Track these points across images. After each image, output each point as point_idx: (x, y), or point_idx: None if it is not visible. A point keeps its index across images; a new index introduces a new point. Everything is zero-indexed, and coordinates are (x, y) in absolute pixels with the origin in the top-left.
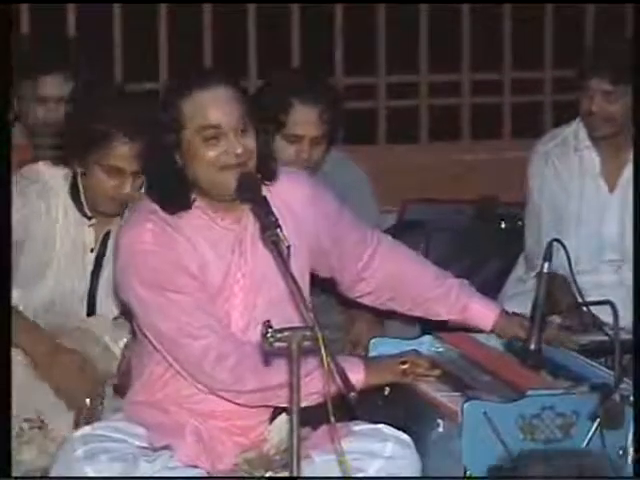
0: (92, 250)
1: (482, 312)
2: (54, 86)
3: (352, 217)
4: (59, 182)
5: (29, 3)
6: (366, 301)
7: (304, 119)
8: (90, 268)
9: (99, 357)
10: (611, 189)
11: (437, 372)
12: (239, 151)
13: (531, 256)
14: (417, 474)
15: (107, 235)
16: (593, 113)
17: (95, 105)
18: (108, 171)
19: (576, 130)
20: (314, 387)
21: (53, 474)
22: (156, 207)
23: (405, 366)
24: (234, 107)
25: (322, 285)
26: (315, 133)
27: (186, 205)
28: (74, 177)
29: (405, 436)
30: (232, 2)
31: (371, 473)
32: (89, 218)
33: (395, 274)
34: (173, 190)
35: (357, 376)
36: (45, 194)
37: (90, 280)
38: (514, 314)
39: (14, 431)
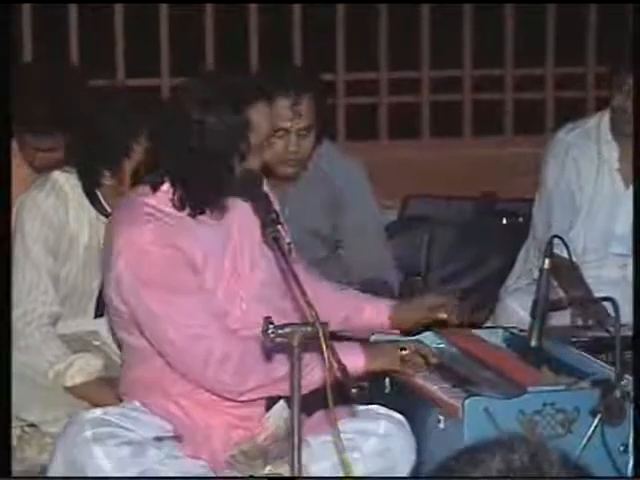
0: None
1: (375, 308)
2: None
3: None
4: (72, 186)
5: (30, 3)
6: None
7: (287, 112)
8: None
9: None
10: (627, 186)
11: (435, 360)
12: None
13: (541, 245)
14: (412, 452)
15: None
16: (628, 108)
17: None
18: None
19: (598, 123)
20: (312, 379)
21: (58, 452)
22: (152, 204)
23: (405, 352)
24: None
25: None
26: (300, 125)
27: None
28: (90, 178)
29: (398, 415)
30: (234, 2)
31: (366, 451)
32: (107, 216)
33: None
34: (211, 192)
35: (356, 361)
36: (62, 200)
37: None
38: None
39: (15, 432)
